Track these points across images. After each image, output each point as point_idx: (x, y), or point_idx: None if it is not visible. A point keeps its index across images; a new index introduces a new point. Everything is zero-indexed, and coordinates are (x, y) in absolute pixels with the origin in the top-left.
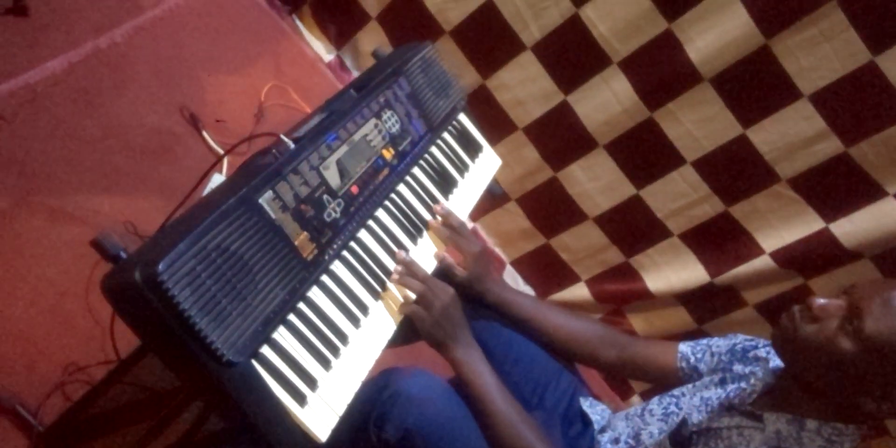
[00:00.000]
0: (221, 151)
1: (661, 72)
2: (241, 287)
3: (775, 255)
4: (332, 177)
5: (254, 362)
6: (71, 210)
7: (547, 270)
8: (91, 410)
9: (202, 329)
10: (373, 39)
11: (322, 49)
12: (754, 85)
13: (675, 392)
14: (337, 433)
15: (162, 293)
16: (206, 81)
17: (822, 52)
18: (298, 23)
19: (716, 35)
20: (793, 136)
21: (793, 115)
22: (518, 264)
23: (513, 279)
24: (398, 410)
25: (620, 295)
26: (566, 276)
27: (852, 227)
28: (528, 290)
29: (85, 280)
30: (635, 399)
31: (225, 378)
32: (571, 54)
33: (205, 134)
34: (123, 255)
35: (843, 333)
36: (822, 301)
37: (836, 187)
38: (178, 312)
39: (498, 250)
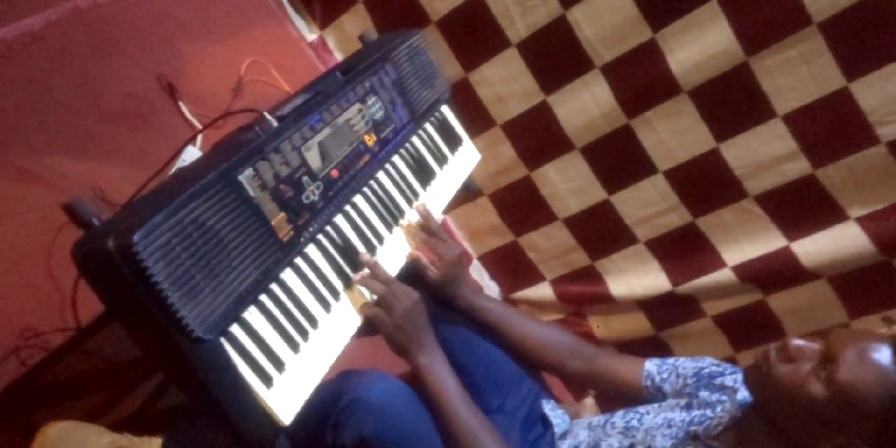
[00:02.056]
0: (197, 123)
1: (641, 80)
2: (216, 264)
3: (737, 269)
4: (314, 159)
5: (222, 340)
6: (38, 171)
7: (513, 268)
8: (46, 378)
9: (174, 303)
10: (358, 22)
11: (305, 28)
12: (731, 101)
13: (640, 409)
14: (292, 437)
15: (135, 264)
16: (185, 51)
17: (799, 73)
18: (284, 0)
19: (698, 48)
20: (763, 153)
21: (766, 133)
22: (485, 259)
23: (479, 274)
24: (356, 417)
25: (583, 297)
26: (531, 275)
27: (813, 248)
28: (494, 286)
29: (48, 244)
30: (588, 400)
31: (192, 354)
32: (555, 55)
33: (181, 105)
34: (96, 222)
35: (815, 378)
36: (799, 342)
37: (801, 207)
38: (151, 285)
39: (466, 244)
